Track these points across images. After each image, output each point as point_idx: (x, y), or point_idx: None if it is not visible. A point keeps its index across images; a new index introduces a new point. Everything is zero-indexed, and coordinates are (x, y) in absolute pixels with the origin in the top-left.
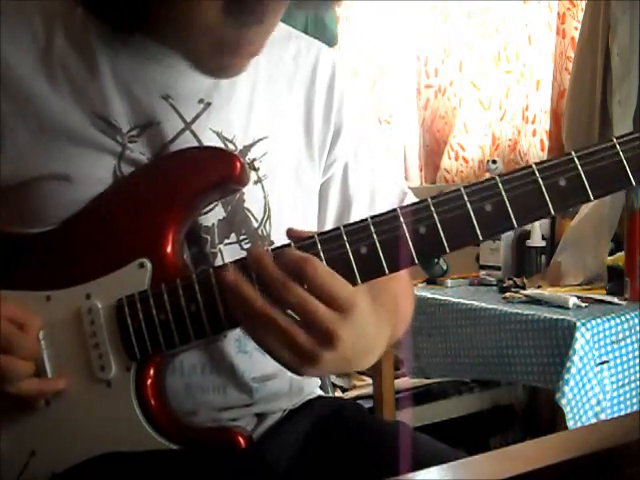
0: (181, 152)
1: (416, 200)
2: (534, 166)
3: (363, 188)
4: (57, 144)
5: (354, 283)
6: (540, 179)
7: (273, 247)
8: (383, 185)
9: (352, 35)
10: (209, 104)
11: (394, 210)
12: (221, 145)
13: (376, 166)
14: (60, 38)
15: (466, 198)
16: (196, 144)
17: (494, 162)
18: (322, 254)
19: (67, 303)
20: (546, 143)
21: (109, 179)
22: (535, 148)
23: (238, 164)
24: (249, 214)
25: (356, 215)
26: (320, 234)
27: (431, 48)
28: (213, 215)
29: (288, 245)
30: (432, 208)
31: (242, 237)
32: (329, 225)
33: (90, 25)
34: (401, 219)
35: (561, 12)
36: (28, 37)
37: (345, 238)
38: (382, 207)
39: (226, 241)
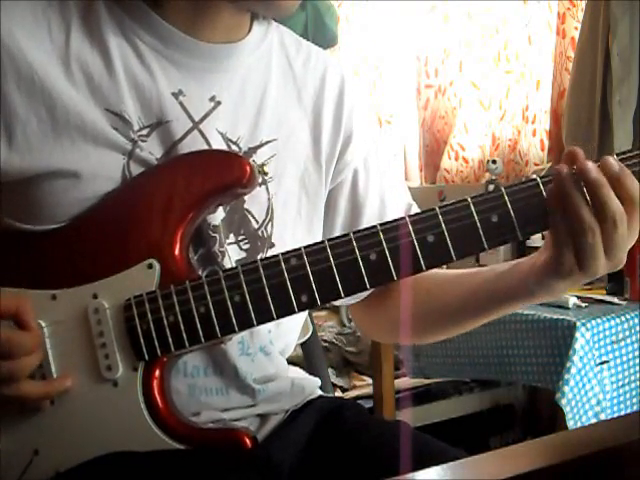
0: (191, 154)
1: (419, 210)
2: (538, 179)
3: (372, 196)
4: (68, 139)
5: (363, 288)
6: (544, 191)
7: (282, 251)
8: (392, 195)
9: (352, 35)
10: (219, 103)
11: (402, 218)
12: (224, 146)
13: (384, 176)
14: (77, 36)
15: (473, 208)
16: (204, 143)
17: (494, 162)
18: (332, 259)
19: (73, 302)
20: (546, 143)
21: (118, 178)
22: (535, 148)
23: (248, 168)
24: (249, 215)
25: (366, 223)
26: (330, 239)
27: (431, 48)
28: (218, 214)
29: (298, 249)
30: (440, 217)
31: (241, 238)
32: (338, 230)
33: (105, 22)
34: (410, 227)
35: (561, 12)
36: (45, 35)
37: (355, 244)
38: (392, 217)
39: (227, 241)
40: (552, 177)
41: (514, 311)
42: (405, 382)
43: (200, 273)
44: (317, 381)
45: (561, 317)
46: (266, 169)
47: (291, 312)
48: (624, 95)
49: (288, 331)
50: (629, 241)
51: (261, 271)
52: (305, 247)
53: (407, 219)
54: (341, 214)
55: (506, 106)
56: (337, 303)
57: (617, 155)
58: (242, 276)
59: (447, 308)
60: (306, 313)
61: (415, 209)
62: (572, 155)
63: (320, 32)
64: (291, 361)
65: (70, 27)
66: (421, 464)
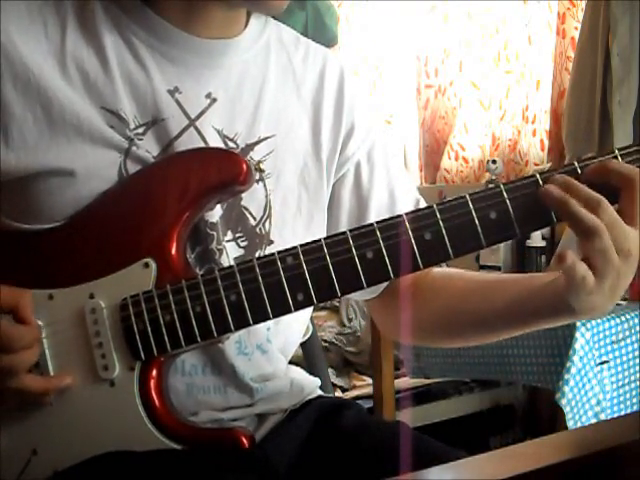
0: (187, 152)
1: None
2: (537, 175)
3: (379, 189)
4: (64, 137)
5: (359, 287)
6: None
7: (279, 250)
8: (401, 188)
9: (352, 35)
10: (215, 100)
11: (399, 216)
12: (221, 143)
13: (391, 169)
14: (72, 34)
15: (471, 206)
16: (200, 141)
17: (494, 162)
18: (328, 257)
19: (70, 302)
20: (546, 143)
21: (114, 176)
22: (535, 148)
23: (244, 166)
24: (246, 212)
25: (375, 216)
26: (326, 238)
27: (431, 48)
28: (215, 212)
29: (294, 248)
30: (437, 215)
31: (238, 235)
32: (344, 225)
33: (100, 20)
34: (407, 225)
35: (561, 12)
36: (41, 33)
37: (351, 242)
38: (402, 210)
39: (225, 238)
40: (542, 195)
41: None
42: (405, 382)
43: (198, 271)
44: (317, 381)
45: None
46: (263, 166)
47: (287, 311)
48: (624, 95)
49: (288, 329)
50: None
51: (257, 270)
52: (301, 246)
53: (404, 217)
54: (346, 208)
55: (506, 106)
56: (353, 297)
57: (618, 150)
58: (238, 275)
59: (483, 315)
60: (309, 313)
61: (423, 204)
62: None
63: (320, 32)
64: (291, 361)
65: (66, 25)
66: (421, 464)
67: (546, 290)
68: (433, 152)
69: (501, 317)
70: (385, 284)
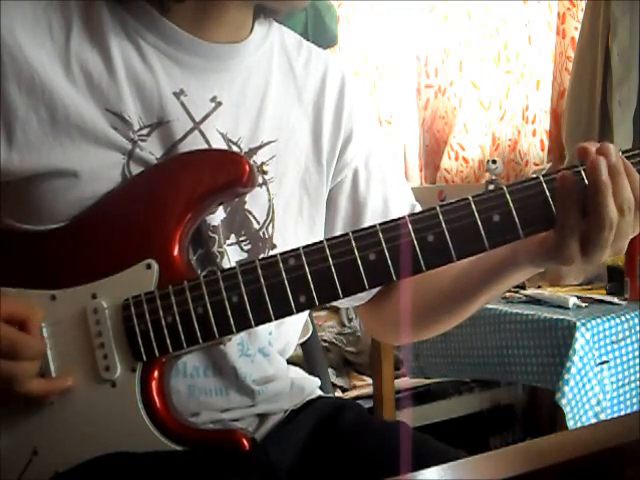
0: (190, 153)
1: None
2: (541, 177)
3: (374, 195)
4: (68, 138)
5: (362, 289)
6: (547, 190)
7: (281, 252)
8: (395, 195)
9: (352, 35)
10: (220, 103)
11: (402, 218)
12: (225, 146)
13: (387, 176)
14: (77, 35)
15: (474, 208)
16: (204, 144)
17: (494, 162)
18: (330, 259)
19: (72, 303)
20: (546, 143)
21: (117, 178)
22: (535, 148)
23: (247, 167)
24: (250, 216)
25: (369, 222)
26: (328, 239)
27: (431, 48)
28: (217, 215)
29: (296, 249)
30: (440, 217)
31: (242, 238)
32: (339, 230)
33: (106, 22)
34: (409, 227)
35: (561, 12)
36: (46, 34)
37: (354, 244)
38: (395, 217)
39: (227, 242)
40: (578, 170)
41: (509, 287)
42: (405, 382)
43: (199, 274)
44: (317, 381)
45: (561, 317)
46: (266, 169)
47: (289, 313)
48: (624, 95)
49: (288, 331)
50: (634, 229)
51: (259, 271)
52: (304, 247)
53: (407, 218)
54: (342, 214)
55: (506, 106)
56: (342, 305)
57: (622, 152)
58: (240, 276)
59: (443, 290)
60: (307, 313)
61: (418, 209)
62: (583, 151)
63: (320, 32)
64: (291, 361)
65: (71, 26)
66: (421, 464)
67: (505, 249)
68: (433, 152)
69: (457, 285)
70: (376, 290)
